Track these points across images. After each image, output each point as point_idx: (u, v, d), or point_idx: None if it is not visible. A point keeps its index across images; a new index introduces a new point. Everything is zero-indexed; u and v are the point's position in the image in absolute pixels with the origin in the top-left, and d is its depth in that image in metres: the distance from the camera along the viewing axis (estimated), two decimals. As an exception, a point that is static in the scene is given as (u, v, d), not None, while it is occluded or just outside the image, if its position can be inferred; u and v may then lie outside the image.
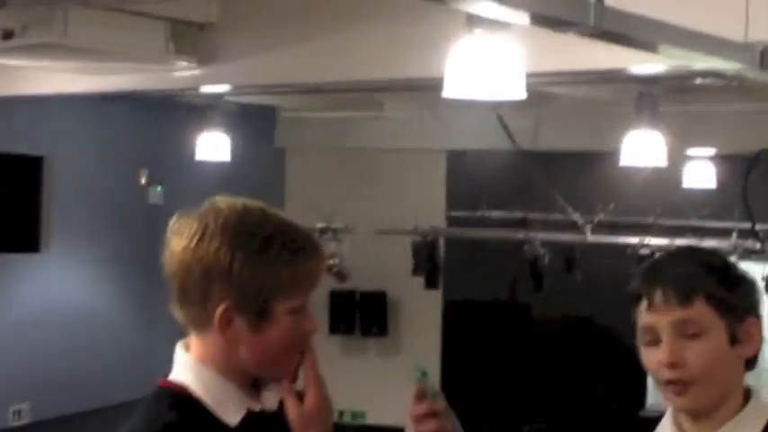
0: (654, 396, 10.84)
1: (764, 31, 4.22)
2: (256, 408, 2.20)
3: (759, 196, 7.99)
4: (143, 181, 8.72)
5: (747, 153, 7.70)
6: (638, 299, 2.25)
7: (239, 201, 2.18)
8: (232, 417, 2.15)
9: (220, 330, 2.11)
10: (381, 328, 10.09)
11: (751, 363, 2.25)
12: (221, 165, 8.07)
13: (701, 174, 9.19)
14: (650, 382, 9.11)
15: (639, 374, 9.61)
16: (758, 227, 7.98)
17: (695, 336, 2.17)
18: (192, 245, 2.10)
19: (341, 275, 9.15)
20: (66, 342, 8.42)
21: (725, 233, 8.41)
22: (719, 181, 9.13)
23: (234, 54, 5.53)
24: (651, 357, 2.23)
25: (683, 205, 9.36)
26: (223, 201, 2.18)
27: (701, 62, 4.34)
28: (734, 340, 2.20)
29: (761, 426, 2.22)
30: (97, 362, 8.56)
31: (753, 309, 2.24)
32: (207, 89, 6.19)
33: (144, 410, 2.16)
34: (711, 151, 8.84)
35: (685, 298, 2.16)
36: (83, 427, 8.30)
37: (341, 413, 10.12)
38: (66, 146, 8.32)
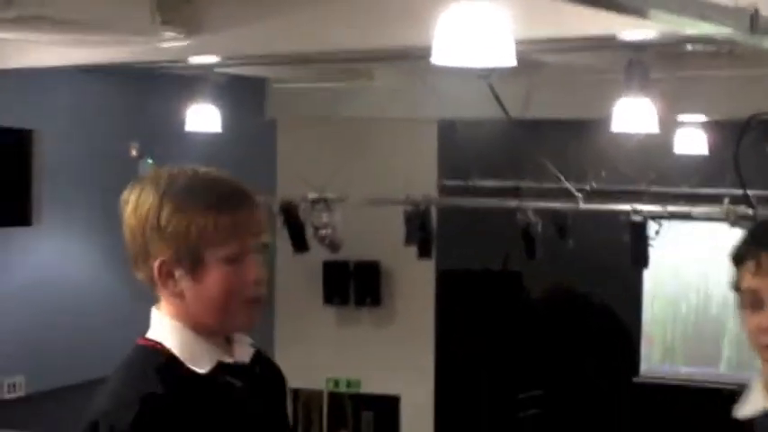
0: (647, 363, 10.87)
1: (754, -5, 4.20)
2: (228, 360, 2.27)
3: (750, 162, 7.98)
4: (134, 153, 8.69)
5: (739, 119, 7.68)
6: (741, 261, 2.20)
7: (178, 166, 2.30)
8: (202, 366, 2.24)
9: (163, 285, 2.24)
10: (375, 297, 10.10)
11: None
12: (212, 136, 8.03)
13: (692, 140, 9.18)
14: (644, 349, 9.07)
15: (633, 341, 9.63)
16: (750, 193, 7.97)
17: None
18: (132, 210, 2.25)
19: (333, 245, 9.16)
20: (60, 314, 8.42)
21: (716, 199, 8.41)
22: (711, 147, 9.13)
23: (221, 24, 5.50)
24: (752, 321, 2.18)
25: (674, 172, 9.36)
26: (164, 168, 2.30)
27: (692, 27, 4.32)
28: None
29: None
30: (91, 333, 8.55)
31: None
32: (195, 60, 6.16)
33: (124, 369, 2.26)
34: (703, 117, 8.82)
35: None
36: (78, 399, 8.24)
37: (336, 382, 10.15)
38: (56, 119, 8.28)
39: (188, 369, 2.22)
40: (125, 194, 2.28)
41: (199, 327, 2.25)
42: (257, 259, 2.24)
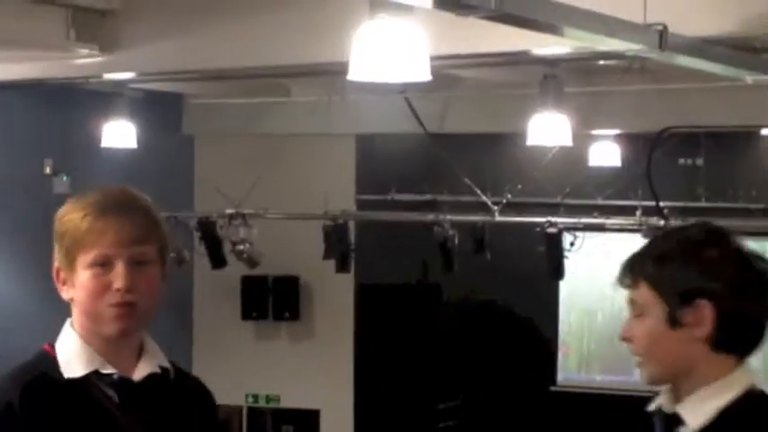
0: (564, 372, 10.99)
1: (662, 13, 4.30)
2: (105, 370, 2.28)
3: (662, 174, 8.12)
4: (48, 170, 8.59)
5: (650, 132, 7.82)
6: None
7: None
8: (71, 372, 2.27)
9: (60, 291, 2.30)
10: (294, 312, 10.08)
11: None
12: (129, 152, 7.96)
13: (605, 153, 9.32)
14: (560, 359, 9.15)
15: (550, 351, 9.69)
16: (662, 204, 8.11)
17: None
18: None
19: (251, 260, 9.11)
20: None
21: (630, 211, 8.54)
22: (624, 160, 9.27)
23: (137, 41, 5.47)
24: None
25: (589, 184, 9.48)
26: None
27: (604, 44, 4.41)
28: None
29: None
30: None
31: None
32: (110, 77, 6.12)
33: (11, 371, 2.30)
34: (616, 131, 8.96)
35: None
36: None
37: (255, 397, 10.12)
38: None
39: (59, 372, 2.26)
40: None
41: (85, 333, 2.29)
42: (128, 268, 2.25)
